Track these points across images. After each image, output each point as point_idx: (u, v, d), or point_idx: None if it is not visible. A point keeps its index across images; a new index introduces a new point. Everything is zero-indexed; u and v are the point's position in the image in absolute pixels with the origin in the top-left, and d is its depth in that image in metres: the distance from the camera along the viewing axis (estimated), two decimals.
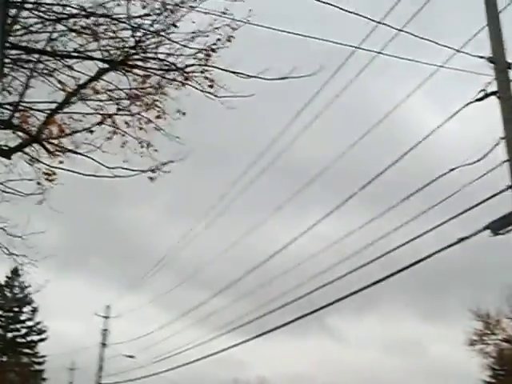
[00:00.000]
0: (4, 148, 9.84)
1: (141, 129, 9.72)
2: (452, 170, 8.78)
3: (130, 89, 9.49)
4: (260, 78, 9.10)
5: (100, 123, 9.55)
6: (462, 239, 8.37)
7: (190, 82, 9.40)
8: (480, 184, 9.04)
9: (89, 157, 9.57)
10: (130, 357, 43.59)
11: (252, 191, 19.90)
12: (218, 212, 22.16)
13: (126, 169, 9.65)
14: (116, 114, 9.59)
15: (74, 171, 9.71)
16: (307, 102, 14.05)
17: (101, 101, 9.63)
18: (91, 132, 9.64)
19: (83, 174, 9.74)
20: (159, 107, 9.58)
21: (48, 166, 9.86)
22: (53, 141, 9.77)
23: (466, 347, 44.97)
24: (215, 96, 9.23)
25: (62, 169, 9.74)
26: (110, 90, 9.61)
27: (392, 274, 11.82)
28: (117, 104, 9.62)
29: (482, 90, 8.74)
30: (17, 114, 9.63)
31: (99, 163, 9.57)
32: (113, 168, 9.66)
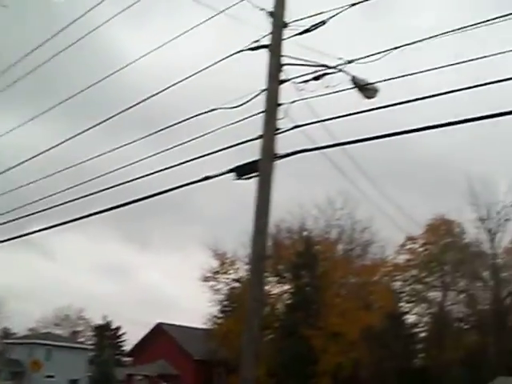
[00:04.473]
0: None
1: None
2: (213, 110, 9.03)
3: None
4: None
5: None
6: (207, 177, 8.69)
7: None
8: (238, 128, 9.36)
9: None
10: None
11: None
12: None
13: None
14: None
15: None
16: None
17: None
18: None
19: None
20: None
21: None
22: None
23: (198, 282, 47.67)
24: None
25: None
26: None
27: (125, 204, 11.22)
28: None
29: (255, 41, 9.04)
30: None
31: None
32: None
